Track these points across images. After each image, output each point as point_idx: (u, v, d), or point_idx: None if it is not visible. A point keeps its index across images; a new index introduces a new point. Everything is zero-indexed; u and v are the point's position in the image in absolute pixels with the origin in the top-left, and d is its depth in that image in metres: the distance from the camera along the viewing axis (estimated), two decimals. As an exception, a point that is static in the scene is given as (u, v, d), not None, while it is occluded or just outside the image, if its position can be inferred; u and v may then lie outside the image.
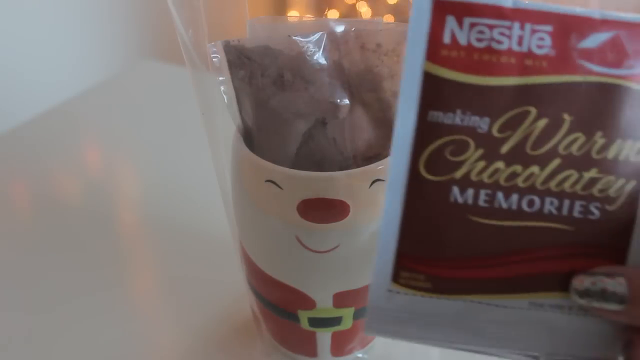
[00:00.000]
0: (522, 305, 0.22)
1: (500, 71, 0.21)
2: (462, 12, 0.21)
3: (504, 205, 0.21)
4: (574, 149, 0.21)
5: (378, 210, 0.28)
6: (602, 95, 0.21)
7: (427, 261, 0.22)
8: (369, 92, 0.29)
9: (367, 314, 0.22)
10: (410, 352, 0.37)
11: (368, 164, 0.27)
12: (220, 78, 0.28)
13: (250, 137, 0.29)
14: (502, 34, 0.21)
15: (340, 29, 0.28)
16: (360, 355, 0.36)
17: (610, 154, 0.21)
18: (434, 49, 0.21)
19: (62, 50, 1.14)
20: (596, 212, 0.22)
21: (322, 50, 0.28)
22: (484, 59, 0.21)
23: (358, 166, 0.28)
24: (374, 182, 0.27)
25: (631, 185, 0.22)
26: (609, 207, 0.22)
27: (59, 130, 0.63)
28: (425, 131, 0.21)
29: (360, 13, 1.35)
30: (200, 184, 0.51)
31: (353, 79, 0.29)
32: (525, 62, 0.21)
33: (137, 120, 0.65)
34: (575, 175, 0.21)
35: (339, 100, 0.28)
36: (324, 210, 0.27)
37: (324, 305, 0.31)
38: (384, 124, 0.29)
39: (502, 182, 0.21)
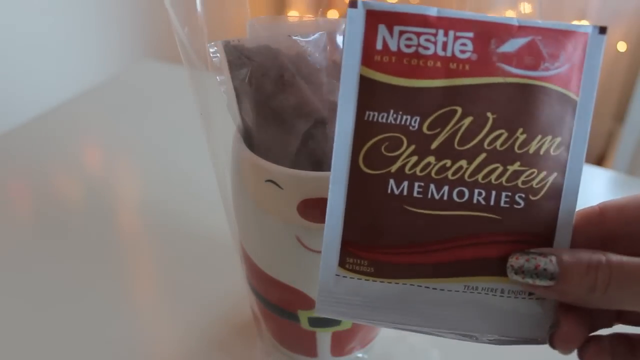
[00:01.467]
0: (457, 288, 0.24)
1: (428, 74, 0.23)
2: (392, 21, 0.23)
3: (436, 196, 0.23)
4: (498, 144, 0.23)
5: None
6: (522, 95, 0.23)
7: (370, 248, 0.24)
8: (368, 92, 0.29)
9: (317, 296, 0.24)
10: (410, 352, 0.37)
11: (368, 164, 0.27)
12: (220, 78, 0.28)
13: (250, 137, 0.29)
14: (428, 40, 0.23)
15: (340, 29, 0.29)
16: (360, 355, 0.36)
17: (532, 148, 0.23)
18: (368, 55, 0.23)
19: (62, 50, 1.14)
20: (521, 202, 0.23)
21: (322, 50, 0.28)
22: (413, 63, 0.23)
23: (358, 166, 0.28)
24: (374, 182, 0.27)
25: (553, 176, 0.24)
26: (532, 198, 0.23)
27: (59, 130, 0.63)
28: (362, 129, 0.23)
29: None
30: (200, 184, 0.51)
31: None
32: (450, 65, 0.23)
33: (137, 120, 0.65)
34: (500, 168, 0.23)
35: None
36: (324, 210, 0.27)
37: (324, 305, 0.31)
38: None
39: (433, 175, 0.23)
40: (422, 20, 0.23)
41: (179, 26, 0.27)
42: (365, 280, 0.24)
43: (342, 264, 0.24)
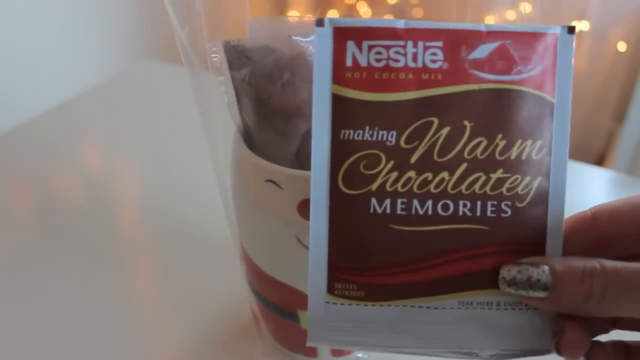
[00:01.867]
0: (452, 305, 0.23)
1: (400, 87, 0.23)
2: (360, 36, 0.23)
3: (420, 212, 0.23)
4: (478, 152, 0.23)
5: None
6: (497, 100, 0.23)
7: (357, 271, 0.23)
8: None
9: (308, 325, 0.24)
10: (410, 352, 0.37)
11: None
12: (220, 78, 0.28)
13: (250, 137, 0.29)
14: (397, 52, 0.23)
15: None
16: (360, 355, 0.36)
17: (513, 154, 0.23)
18: (339, 72, 0.23)
19: (62, 50, 1.14)
20: (508, 210, 0.23)
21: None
22: (384, 77, 0.23)
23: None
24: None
25: (537, 181, 0.23)
26: (519, 204, 0.23)
27: (59, 130, 0.63)
28: (339, 149, 0.23)
29: (360, 13, 1.35)
30: (200, 184, 0.51)
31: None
32: (422, 76, 0.23)
33: (137, 120, 0.65)
34: (483, 177, 0.23)
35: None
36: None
37: (324, 305, 0.31)
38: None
39: (415, 189, 0.23)
40: (391, 33, 0.23)
41: (179, 26, 0.27)
42: (357, 305, 0.23)
43: (330, 290, 0.23)
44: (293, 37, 0.28)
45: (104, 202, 0.51)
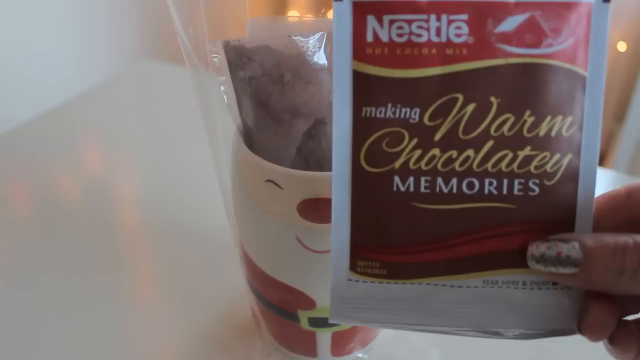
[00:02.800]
0: (476, 284, 0.23)
1: (423, 63, 0.22)
2: (381, 11, 0.22)
3: (445, 190, 0.22)
4: (505, 129, 0.22)
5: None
6: (526, 75, 0.22)
7: (380, 249, 0.23)
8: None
9: (331, 302, 0.23)
10: (411, 351, 0.37)
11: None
12: (220, 78, 0.28)
13: (250, 137, 0.29)
14: (420, 27, 0.22)
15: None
16: (360, 355, 0.36)
17: (542, 131, 0.22)
18: (359, 48, 0.22)
19: (62, 50, 1.14)
20: (536, 188, 0.22)
21: (322, 50, 0.28)
22: (407, 52, 0.22)
23: (358, 166, 0.28)
24: (374, 182, 0.27)
25: (567, 159, 0.22)
26: (547, 183, 0.22)
27: (59, 130, 0.63)
28: (361, 127, 0.22)
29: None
30: (200, 184, 0.51)
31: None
32: (446, 51, 0.22)
33: (137, 120, 0.65)
34: (510, 154, 0.22)
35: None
36: (324, 210, 0.27)
37: (324, 305, 0.31)
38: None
39: (439, 168, 0.22)
40: (412, 7, 0.22)
41: (182, 27, 0.27)
42: (379, 282, 0.23)
43: (353, 267, 0.23)
44: (293, 37, 0.28)
45: (103, 202, 0.51)
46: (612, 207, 0.23)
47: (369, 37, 0.22)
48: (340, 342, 0.34)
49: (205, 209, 0.48)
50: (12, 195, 0.53)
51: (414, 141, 0.22)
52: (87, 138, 0.63)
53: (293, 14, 1.38)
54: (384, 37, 0.22)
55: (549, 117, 0.22)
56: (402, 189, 0.22)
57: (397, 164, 0.22)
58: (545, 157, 0.22)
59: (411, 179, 0.22)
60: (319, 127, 0.28)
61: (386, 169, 0.22)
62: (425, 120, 0.22)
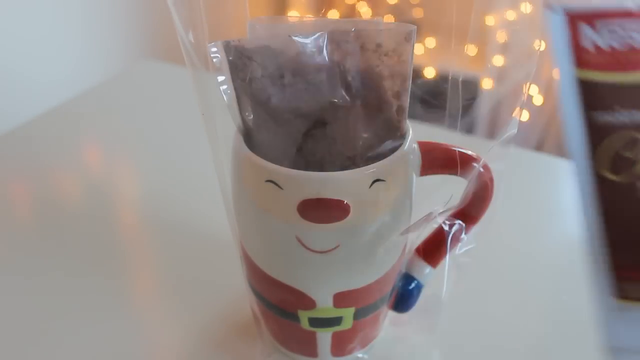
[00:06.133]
0: None
1: None
2: (594, 19, 0.22)
3: None
4: None
5: (378, 210, 0.28)
6: None
7: None
8: (369, 92, 0.29)
9: (605, 345, 0.21)
10: (411, 351, 0.37)
11: (368, 164, 0.27)
12: (220, 78, 0.28)
13: (250, 137, 0.29)
14: (638, 32, 0.22)
15: (340, 29, 0.28)
16: (360, 355, 0.36)
17: None
18: (579, 56, 0.22)
19: (62, 50, 1.14)
20: None
21: (322, 50, 0.28)
22: (629, 58, 0.22)
23: (358, 166, 0.28)
24: (374, 182, 0.27)
25: None
26: None
27: (59, 130, 0.63)
28: (593, 133, 0.22)
29: (360, 13, 1.35)
30: (200, 184, 0.51)
31: (353, 79, 0.29)
32: None
33: (137, 120, 0.65)
34: None
35: (338, 100, 0.28)
36: (324, 210, 0.27)
37: (324, 305, 0.31)
38: (384, 124, 0.29)
39: None
40: (626, 14, 0.22)
41: (182, 27, 0.27)
42: None
43: (621, 294, 0.21)
44: (293, 37, 0.28)
45: (103, 202, 0.51)
46: None
47: (588, 45, 0.22)
48: (341, 343, 0.34)
49: (206, 209, 0.48)
50: (12, 195, 0.53)
51: None
52: (87, 138, 0.63)
53: (293, 14, 1.39)
54: (602, 44, 0.22)
55: None
56: None
57: (637, 170, 0.21)
58: None
59: None
60: (319, 127, 0.28)
61: (627, 176, 0.21)
62: None
